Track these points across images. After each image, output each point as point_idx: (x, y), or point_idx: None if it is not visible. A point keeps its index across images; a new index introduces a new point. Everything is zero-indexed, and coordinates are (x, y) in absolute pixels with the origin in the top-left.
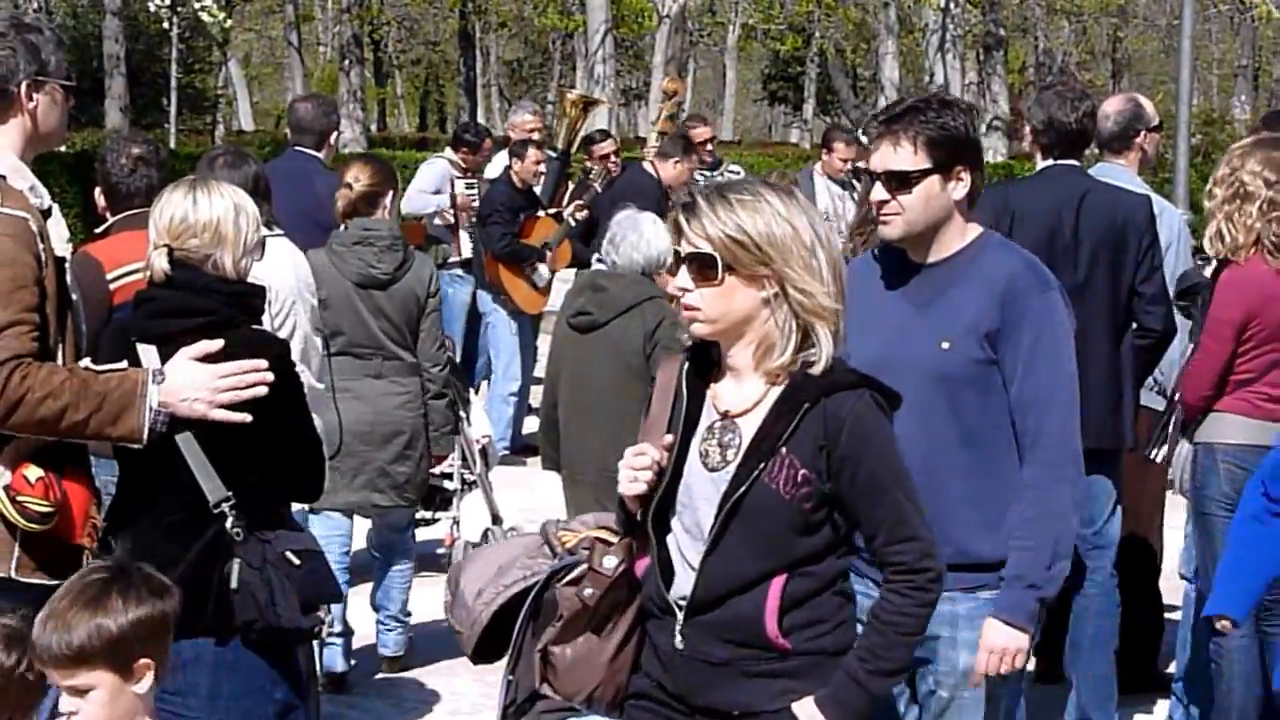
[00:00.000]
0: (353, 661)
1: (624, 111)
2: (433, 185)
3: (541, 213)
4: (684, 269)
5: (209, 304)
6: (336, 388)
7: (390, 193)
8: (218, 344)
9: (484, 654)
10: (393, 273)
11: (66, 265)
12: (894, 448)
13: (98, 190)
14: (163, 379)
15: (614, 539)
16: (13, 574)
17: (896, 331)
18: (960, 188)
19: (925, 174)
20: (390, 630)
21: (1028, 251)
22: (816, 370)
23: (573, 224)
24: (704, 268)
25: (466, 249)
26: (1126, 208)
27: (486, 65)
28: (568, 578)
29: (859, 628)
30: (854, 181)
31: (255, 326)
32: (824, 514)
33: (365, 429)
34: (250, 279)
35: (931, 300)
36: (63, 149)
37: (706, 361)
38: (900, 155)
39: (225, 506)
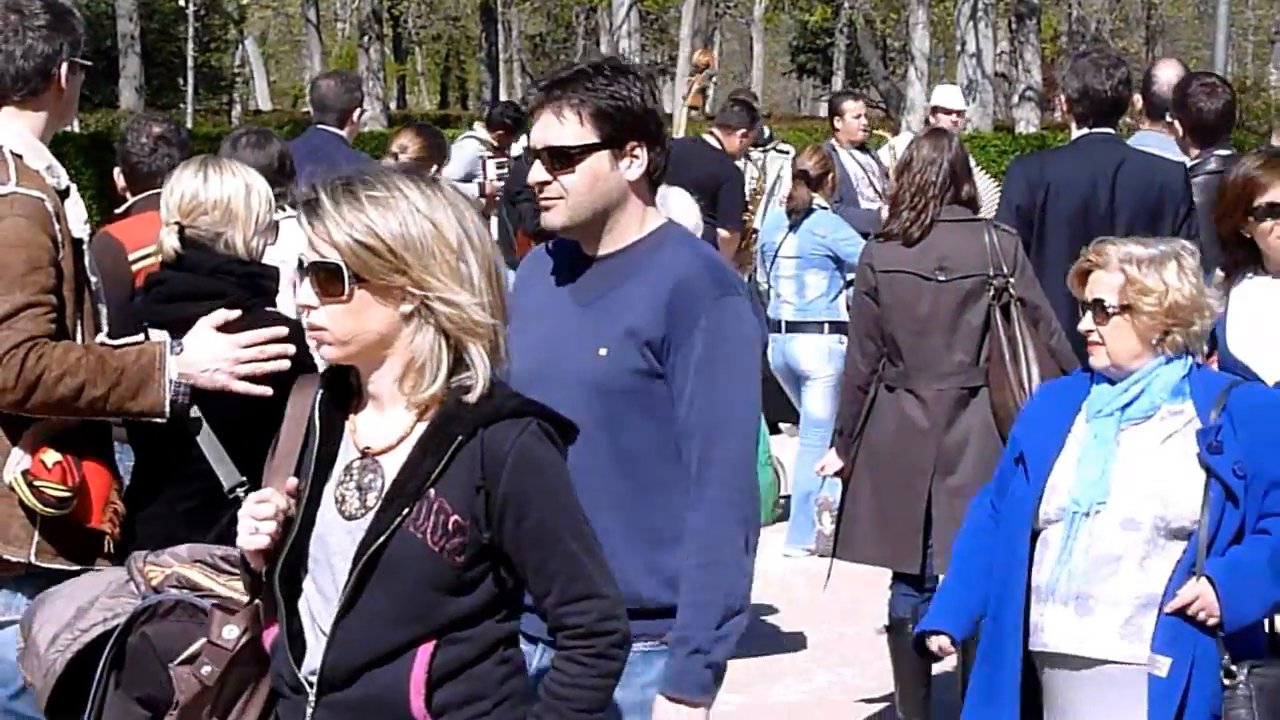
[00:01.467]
0: None
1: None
2: (462, 171)
3: None
4: (307, 281)
5: (220, 286)
6: None
7: (435, 165)
8: (236, 312)
9: (60, 708)
10: None
11: (85, 246)
12: (568, 488)
13: (117, 170)
14: (180, 350)
15: (238, 602)
16: (32, 559)
17: (555, 337)
18: (635, 166)
19: (591, 149)
20: None
21: (712, 249)
22: (472, 397)
23: None
24: (329, 280)
25: (494, 233)
26: (1163, 175)
27: (509, 40)
28: (184, 654)
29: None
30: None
31: (269, 309)
32: (482, 568)
33: None
34: (268, 260)
35: (595, 300)
36: (77, 130)
37: (345, 389)
38: (563, 129)
39: (240, 492)
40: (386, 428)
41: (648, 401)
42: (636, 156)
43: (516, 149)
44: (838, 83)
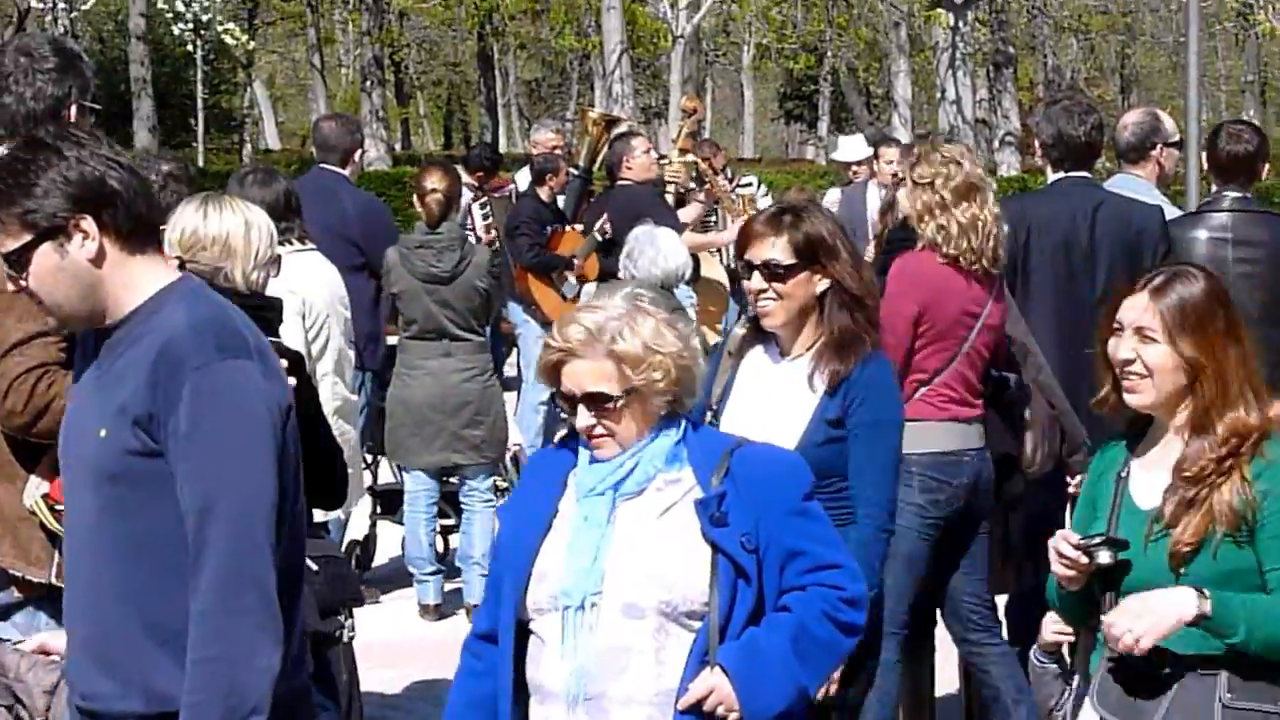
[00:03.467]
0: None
1: (644, 130)
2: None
3: (568, 227)
4: None
5: None
6: (413, 366)
7: (461, 194)
8: None
9: None
10: (453, 269)
11: None
12: None
13: None
14: None
15: None
16: (53, 579)
17: (73, 419)
18: (87, 244)
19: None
20: (473, 576)
21: (218, 306)
22: None
23: (599, 238)
24: None
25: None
26: (1140, 217)
27: (506, 85)
28: None
29: None
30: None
31: (271, 339)
32: None
33: (437, 400)
34: (271, 292)
35: (102, 375)
36: None
37: None
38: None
39: None
40: None
41: (155, 483)
42: (85, 232)
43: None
44: (823, 128)
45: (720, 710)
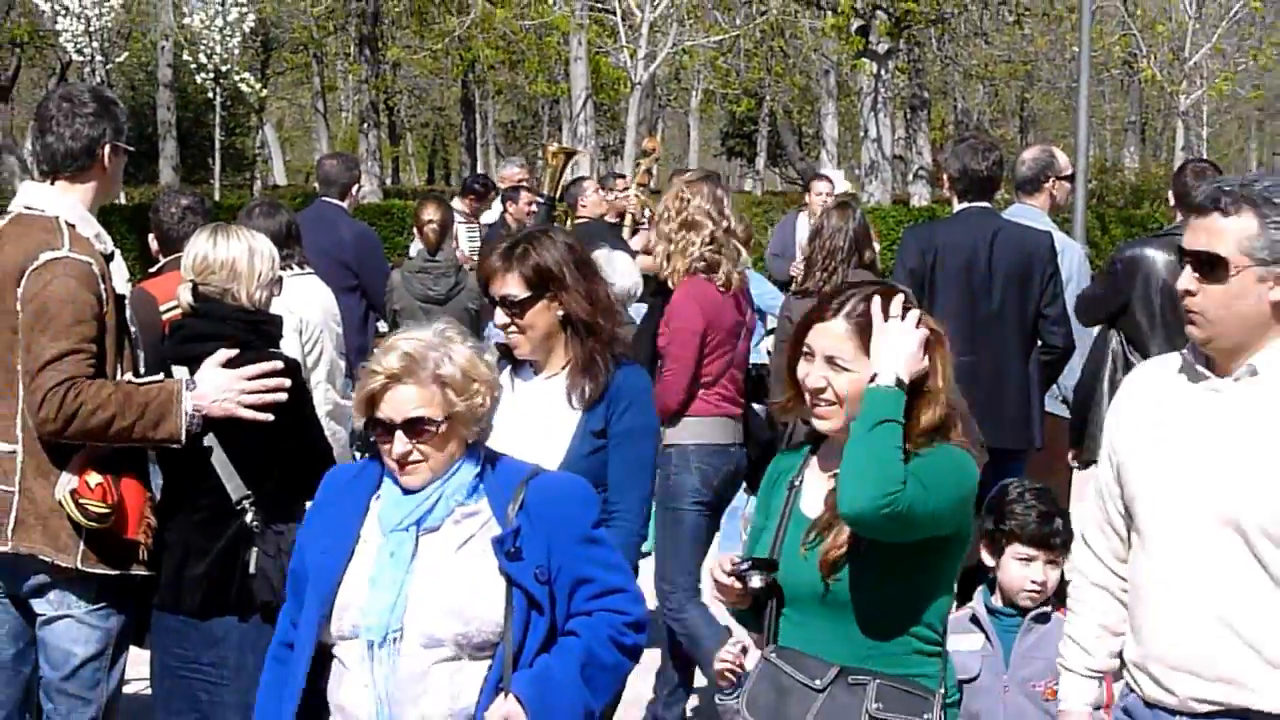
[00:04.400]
0: None
1: (604, 165)
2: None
3: None
4: None
5: (228, 329)
6: None
7: (453, 222)
8: (234, 351)
9: None
10: (447, 293)
11: (126, 301)
12: None
13: (151, 236)
14: (194, 386)
15: None
16: (79, 565)
17: None
18: None
19: None
20: None
21: None
22: None
23: None
24: None
25: None
26: (1032, 243)
27: (485, 127)
28: None
29: None
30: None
31: (272, 349)
32: None
33: None
34: (274, 310)
35: None
36: (123, 202)
37: None
38: None
39: (246, 503)
40: None
41: None
42: None
43: (488, 217)
44: (760, 163)
45: None
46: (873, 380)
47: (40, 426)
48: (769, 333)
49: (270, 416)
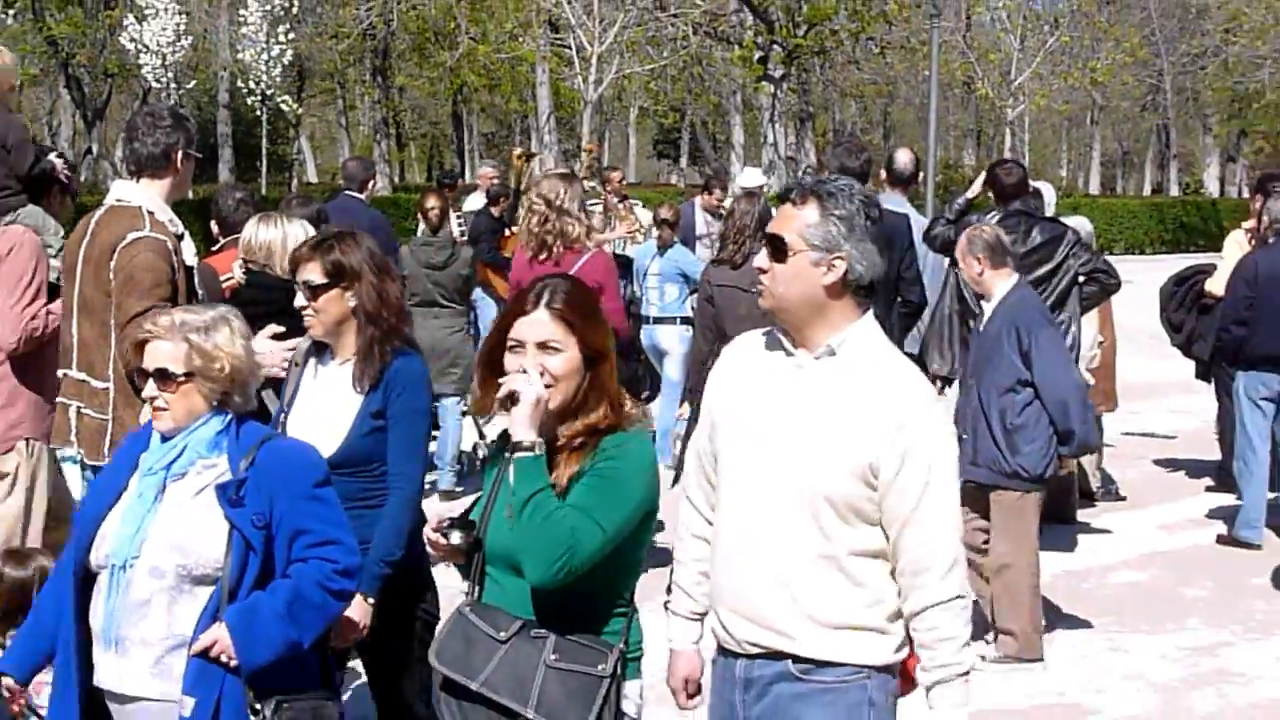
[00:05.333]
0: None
1: (565, 166)
2: None
3: (509, 230)
4: None
5: (273, 296)
6: (416, 323)
7: (449, 210)
8: (282, 329)
9: None
10: (444, 261)
11: (194, 272)
12: None
13: (212, 221)
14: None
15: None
16: None
17: None
18: None
19: None
20: (444, 472)
21: None
22: None
23: None
24: None
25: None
26: (890, 223)
27: (471, 136)
28: None
29: None
30: (722, 210)
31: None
32: None
33: (428, 348)
34: None
35: None
36: (190, 196)
37: None
38: None
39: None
40: None
41: None
42: None
43: (470, 204)
44: (683, 162)
45: (224, 658)
46: (516, 448)
47: (128, 367)
48: (693, 292)
49: None
